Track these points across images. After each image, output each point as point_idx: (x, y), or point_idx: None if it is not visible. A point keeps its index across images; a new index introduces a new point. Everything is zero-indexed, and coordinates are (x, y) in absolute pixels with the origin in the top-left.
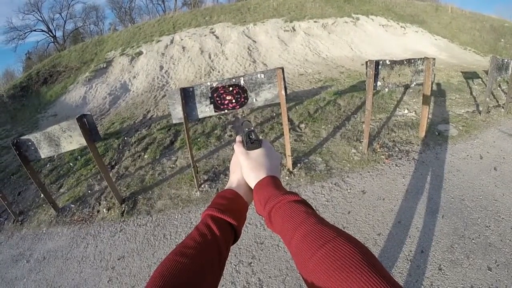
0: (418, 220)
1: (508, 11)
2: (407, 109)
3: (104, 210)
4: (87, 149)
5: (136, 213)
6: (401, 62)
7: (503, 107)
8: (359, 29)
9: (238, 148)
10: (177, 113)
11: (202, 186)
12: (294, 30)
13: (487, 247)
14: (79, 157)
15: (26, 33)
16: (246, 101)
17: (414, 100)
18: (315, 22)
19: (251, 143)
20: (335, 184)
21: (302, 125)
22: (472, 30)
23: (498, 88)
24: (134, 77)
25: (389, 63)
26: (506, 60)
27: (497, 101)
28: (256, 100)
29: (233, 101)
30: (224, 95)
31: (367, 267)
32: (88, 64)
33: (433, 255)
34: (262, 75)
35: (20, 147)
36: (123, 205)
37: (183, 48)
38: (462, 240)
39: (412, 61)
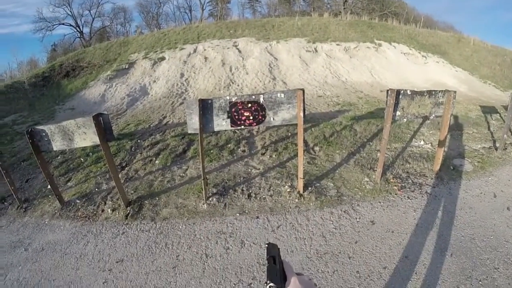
0: (426, 256)
1: None
2: (424, 140)
3: (109, 210)
4: (100, 147)
5: (141, 217)
6: (422, 93)
7: None
8: (381, 55)
9: None
10: (193, 124)
11: (210, 199)
12: (316, 51)
13: None
14: (90, 153)
15: (54, 25)
16: (263, 119)
17: (431, 131)
18: (337, 45)
19: None
20: (344, 211)
21: (317, 148)
22: (493, 64)
23: None
24: (154, 81)
25: (410, 93)
26: None
27: None
28: (273, 119)
29: (251, 117)
30: (242, 111)
31: None
32: (110, 63)
33: None
34: (282, 95)
35: (34, 136)
36: (128, 208)
37: (206, 58)
38: (469, 281)
39: (433, 92)
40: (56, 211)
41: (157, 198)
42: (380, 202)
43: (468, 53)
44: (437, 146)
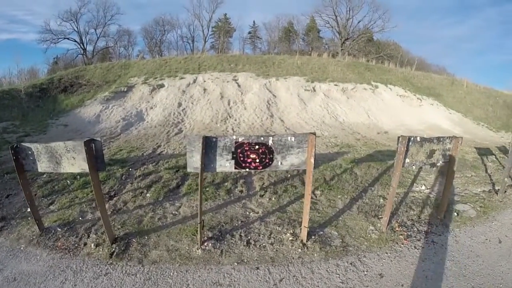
0: None
1: None
2: (424, 185)
3: (92, 245)
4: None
5: (127, 258)
6: (430, 140)
7: None
8: (377, 97)
9: None
10: (194, 162)
11: (205, 244)
12: (315, 90)
13: None
14: (78, 176)
15: (59, 38)
16: (271, 163)
17: (430, 175)
18: (335, 85)
19: None
20: (351, 263)
21: (318, 192)
22: (486, 106)
23: None
24: (151, 108)
25: (419, 140)
26: None
27: None
28: (281, 163)
29: (257, 160)
30: (248, 153)
31: None
32: (109, 84)
33: None
34: (293, 139)
35: (19, 153)
36: (114, 245)
37: (205, 89)
38: None
39: (441, 139)
40: (34, 236)
41: (146, 237)
42: (387, 253)
43: (462, 95)
44: (440, 191)
